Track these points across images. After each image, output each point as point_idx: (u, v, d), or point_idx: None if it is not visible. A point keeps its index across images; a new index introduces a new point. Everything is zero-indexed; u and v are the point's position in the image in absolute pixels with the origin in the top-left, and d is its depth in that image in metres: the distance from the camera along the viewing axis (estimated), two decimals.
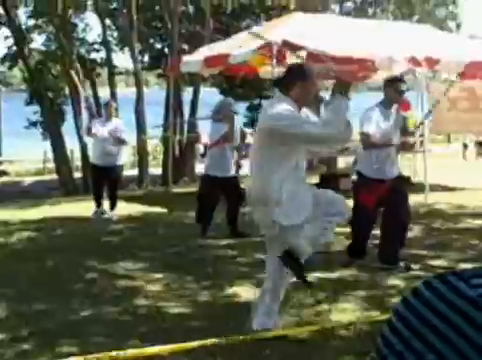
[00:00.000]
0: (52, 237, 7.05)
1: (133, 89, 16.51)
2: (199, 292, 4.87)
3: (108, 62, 16.19)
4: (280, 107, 3.64)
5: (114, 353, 3.40)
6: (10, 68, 16.99)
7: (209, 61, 9.70)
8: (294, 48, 9.07)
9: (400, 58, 8.88)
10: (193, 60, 10.36)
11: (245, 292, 4.78)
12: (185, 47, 15.70)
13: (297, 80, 3.71)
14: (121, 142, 8.22)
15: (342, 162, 14.18)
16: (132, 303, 4.57)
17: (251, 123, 19.68)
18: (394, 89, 5.35)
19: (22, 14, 16.32)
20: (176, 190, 10.77)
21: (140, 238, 6.92)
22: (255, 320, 3.83)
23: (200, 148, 21.40)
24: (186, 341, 3.59)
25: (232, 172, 7.08)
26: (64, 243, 6.68)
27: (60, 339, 3.85)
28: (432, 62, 8.98)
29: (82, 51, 17.29)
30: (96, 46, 17.79)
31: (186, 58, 11.00)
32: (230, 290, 4.88)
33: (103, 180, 8.29)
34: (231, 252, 6.29)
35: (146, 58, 18.46)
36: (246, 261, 5.90)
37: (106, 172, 8.13)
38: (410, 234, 6.13)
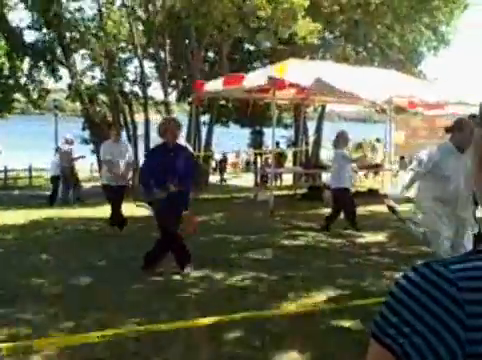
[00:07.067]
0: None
1: (163, 115, 20.34)
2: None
3: (144, 94, 20.27)
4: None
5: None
6: (66, 98, 21.08)
7: (227, 79, 12.63)
8: (290, 85, 11.82)
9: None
10: (214, 83, 13.31)
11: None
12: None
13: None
14: None
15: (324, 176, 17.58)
16: None
17: (253, 144, 24.36)
18: None
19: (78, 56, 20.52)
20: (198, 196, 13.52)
21: None
22: None
23: (212, 163, 25.81)
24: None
25: None
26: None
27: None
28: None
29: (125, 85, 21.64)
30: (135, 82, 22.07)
31: (208, 83, 13.73)
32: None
33: None
34: None
35: (174, 93, 22.67)
36: None
37: None
38: None
